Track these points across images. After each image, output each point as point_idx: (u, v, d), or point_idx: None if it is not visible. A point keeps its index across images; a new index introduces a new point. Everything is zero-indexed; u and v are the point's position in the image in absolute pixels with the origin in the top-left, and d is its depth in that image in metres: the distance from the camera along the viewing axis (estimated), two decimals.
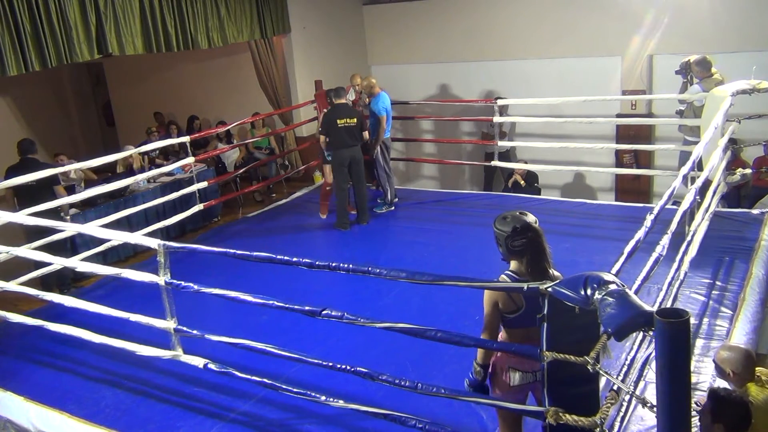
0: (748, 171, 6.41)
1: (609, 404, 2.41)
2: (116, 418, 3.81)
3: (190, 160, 6.90)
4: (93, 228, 4.85)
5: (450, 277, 2.77)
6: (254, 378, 3.53)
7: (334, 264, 3.06)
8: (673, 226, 3.67)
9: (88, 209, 6.39)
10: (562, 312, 2.35)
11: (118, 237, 4.44)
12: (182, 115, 9.81)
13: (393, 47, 9.89)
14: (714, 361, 3.12)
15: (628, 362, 3.27)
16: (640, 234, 3.09)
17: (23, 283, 5.04)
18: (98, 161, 6.00)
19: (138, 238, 4.16)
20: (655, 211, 3.36)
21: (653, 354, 2.51)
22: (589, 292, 2.18)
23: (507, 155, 8.60)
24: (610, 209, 6.94)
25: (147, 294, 4.11)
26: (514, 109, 8.34)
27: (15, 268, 5.23)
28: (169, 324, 3.74)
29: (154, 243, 3.65)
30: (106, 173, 7.80)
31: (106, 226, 5.62)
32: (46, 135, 10.44)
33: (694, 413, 2.62)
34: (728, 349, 3.10)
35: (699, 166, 4.86)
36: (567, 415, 2.41)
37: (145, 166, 7.67)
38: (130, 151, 6.76)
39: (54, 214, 5.56)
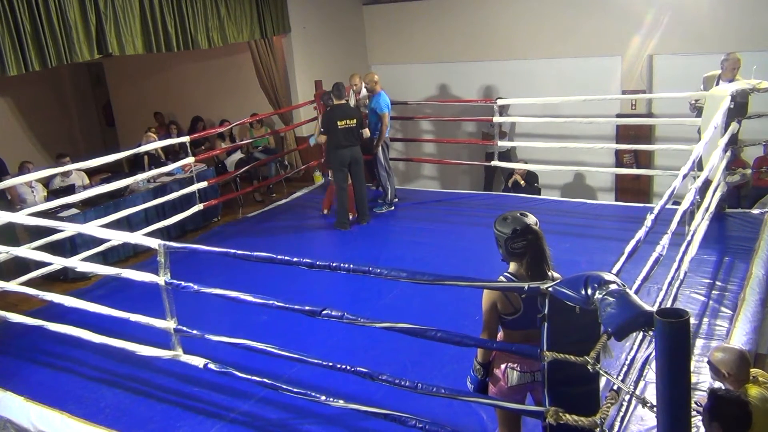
0: (748, 171, 6.42)
1: (609, 404, 2.41)
2: (116, 418, 3.81)
3: (190, 160, 6.90)
4: (93, 228, 4.85)
5: (450, 277, 2.76)
6: (254, 378, 3.53)
7: (334, 264, 3.06)
8: (673, 226, 3.67)
9: (88, 209, 6.38)
10: (563, 312, 2.35)
11: (118, 237, 4.45)
12: (182, 115, 9.81)
13: (393, 47, 9.89)
14: (709, 362, 3.11)
15: (628, 362, 3.26)
16: (640, 234, 3.08)
17: (23, 283, 5.04)
18: (99, 161, 5.97)
19: (138, 238, 4.16)
20: (656, 211, 3.35)
21: (653, 354, 2.51)
22: (589, 291, 2.18)
23: (507, 155, 8.60)
24: (610, 209, 6.93)
25: (147, 294, 4.11)
26: (514, 109, 8.33)
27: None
28: (169, 324, 3.74)
29: (154, 243, 3.65)
30: (106, 173, 7.80)
31: (106, 226, 5.62)
32: (46, 135, 10.47)
33: (694, 413, 2.62)
34: (723, 350, 3.09)
35: (699, 165, 4.86)
36: (567, 415, 2.41)
37: (162, 158, 7.80)
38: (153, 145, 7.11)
39: None
